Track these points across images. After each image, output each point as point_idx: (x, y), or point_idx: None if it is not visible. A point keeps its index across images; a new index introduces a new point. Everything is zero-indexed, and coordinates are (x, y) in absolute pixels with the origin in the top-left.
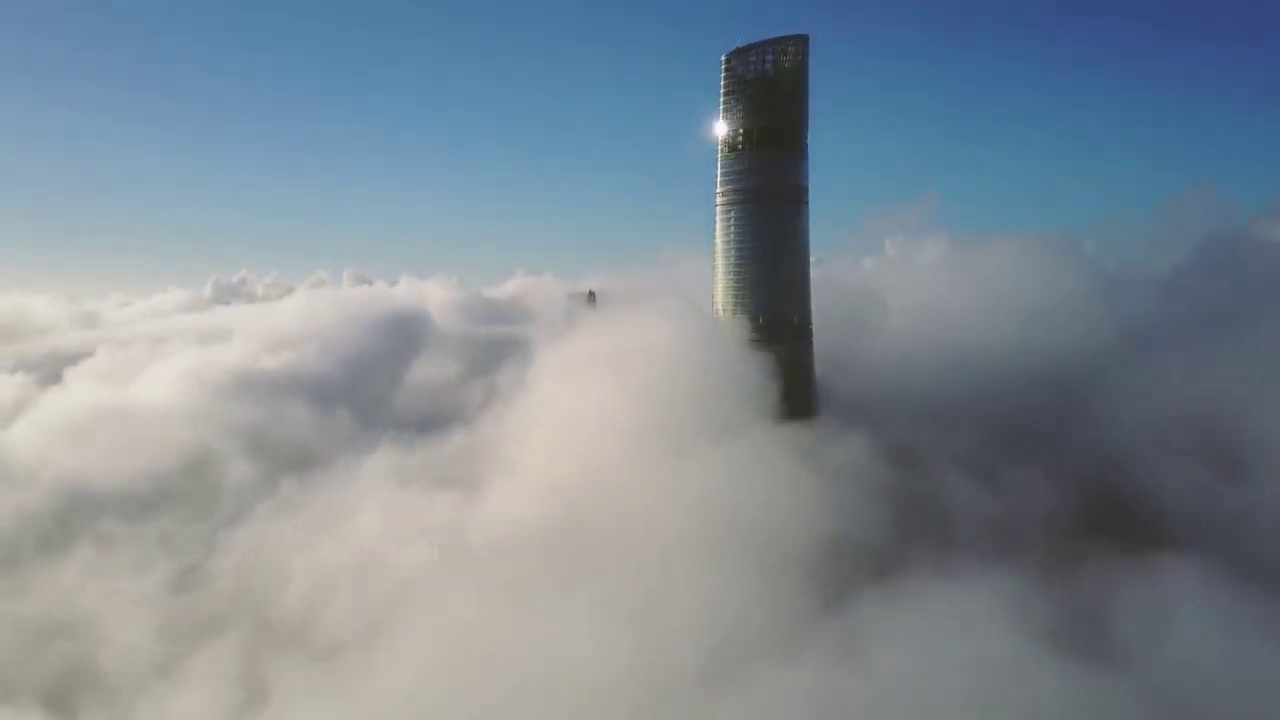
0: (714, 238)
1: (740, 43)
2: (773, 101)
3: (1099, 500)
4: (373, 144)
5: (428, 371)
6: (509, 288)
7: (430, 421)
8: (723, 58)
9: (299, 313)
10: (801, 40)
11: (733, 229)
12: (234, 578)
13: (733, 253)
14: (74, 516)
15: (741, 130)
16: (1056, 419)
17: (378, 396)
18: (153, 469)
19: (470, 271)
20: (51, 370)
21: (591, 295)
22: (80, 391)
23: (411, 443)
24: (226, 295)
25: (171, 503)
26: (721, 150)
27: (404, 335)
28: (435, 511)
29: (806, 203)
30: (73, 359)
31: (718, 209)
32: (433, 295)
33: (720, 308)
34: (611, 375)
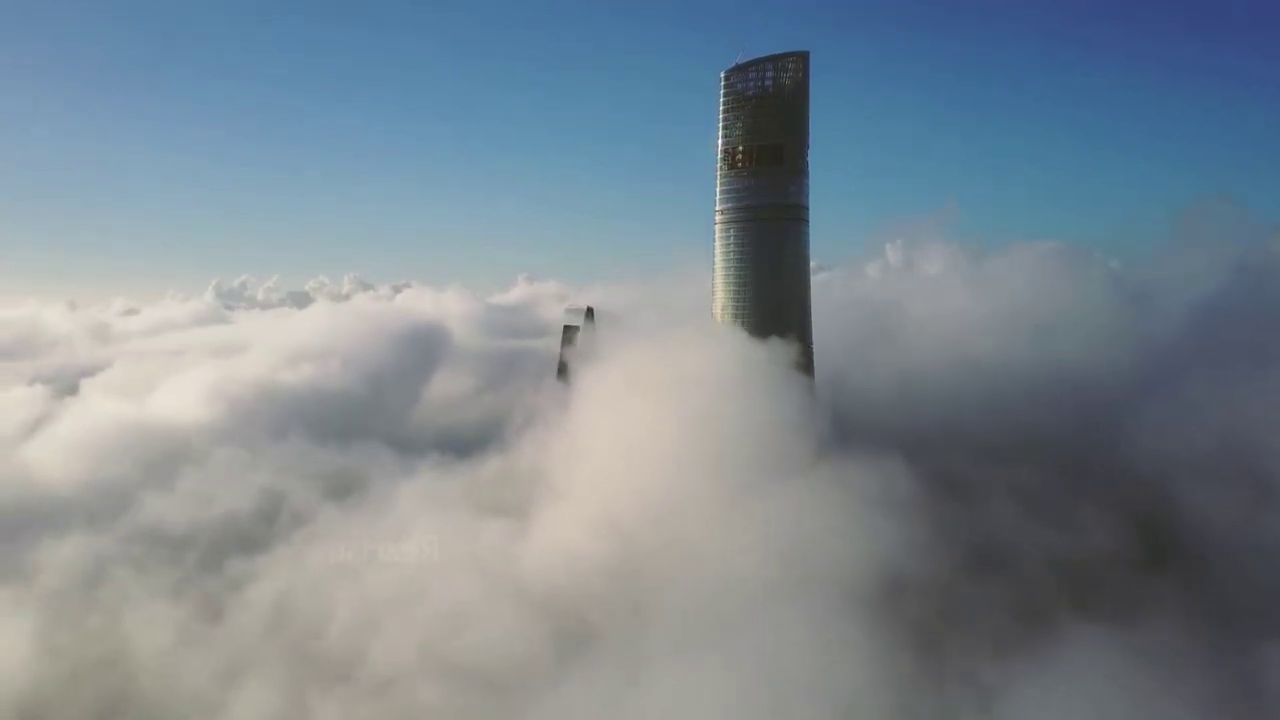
0: (713, 255)
1: (740, 59)
2: (773, 119)
3: (1154, 531)
4: (371, 147)
5: (451, 387)
6: (515, 295)
7: (464, 442)
8: (722, 74)
9: (316, 326)
10: (802, 57)
11: (732, 248)
12: (274, 608)
13: (732, 272)
14: (105, 540)
15: (741, 148)
16: (1094, 443)
17: (405, 414)
18: (183, 489)
19: (470, 275)
20: (68, 383)
21: (590, 312)
22: (102, 407)
23: (449, 466)
24: (229, 300)
25: (205, 526)
26: (721, 167)
27: (423, 349)
28: (484, 540)
29: (807, 221)
30: (88, 371)
31: (717, 226)
32: (447, 306)
33: (720, 323)
34: (660, 400)
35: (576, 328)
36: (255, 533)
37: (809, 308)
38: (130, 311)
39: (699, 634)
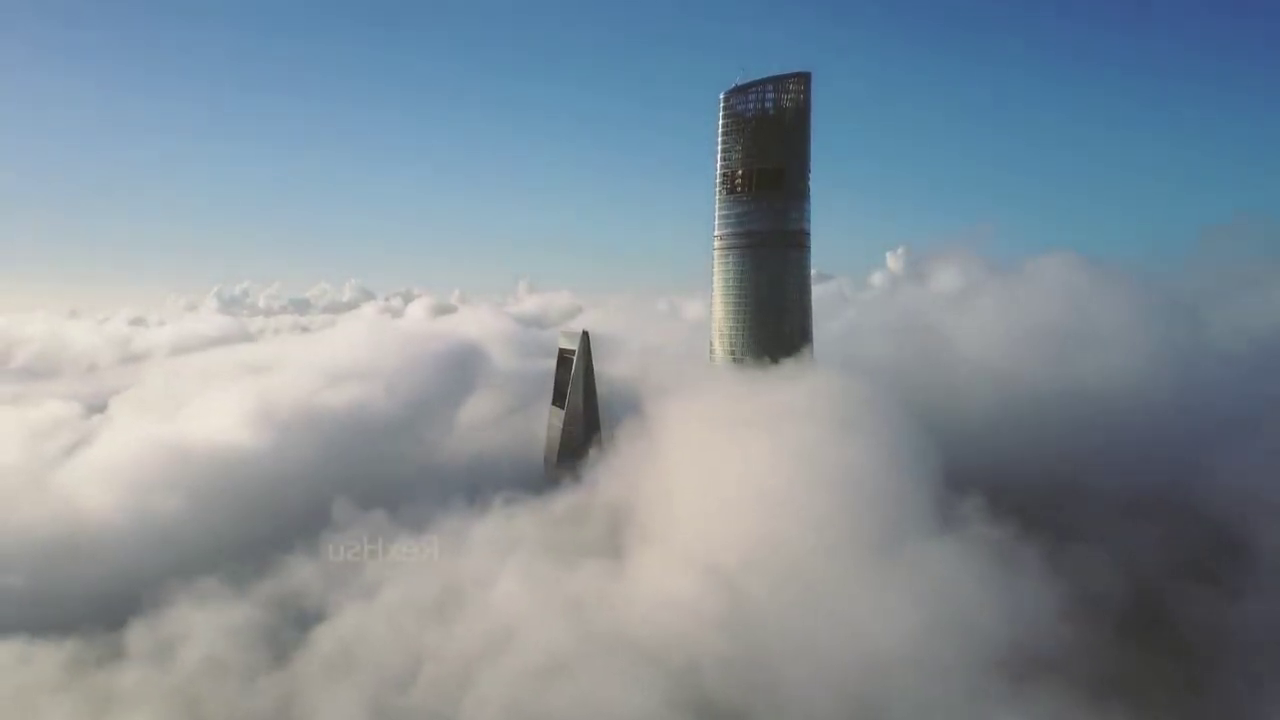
0: (712, 279)
1: (740, 80)
2: (773, 142)
3: None
4: (369, 151)
5: (489, 410)
6: (529, 305)
7: (528, 473)
8: (721, 96)
9: (350, 344)
10: (803, 78)
11: (731, 274)
12: (345, 653)
13: (732, 298)
14: (154, 572)
15: (740, 171)
16: (1176, 485)
17: (450, 439)
18: (233, 518)
19: (471, 280)
20: (97, 401)
21: (585, 336)
22: (138, 429)
23: (516, 498)
24: (230, 306)
25: (258, 558)
26: (719, 191)
27: (463, 370)
28: (578, 583)
29: (808, 248)
30: (116, 388)
31: (715, 251)
32: (481, 322)
33: (717, 354)
34: (758, 437)
35: (572, 352)
36: (314, 568)
37: (811, 336)
38: (138, 321)
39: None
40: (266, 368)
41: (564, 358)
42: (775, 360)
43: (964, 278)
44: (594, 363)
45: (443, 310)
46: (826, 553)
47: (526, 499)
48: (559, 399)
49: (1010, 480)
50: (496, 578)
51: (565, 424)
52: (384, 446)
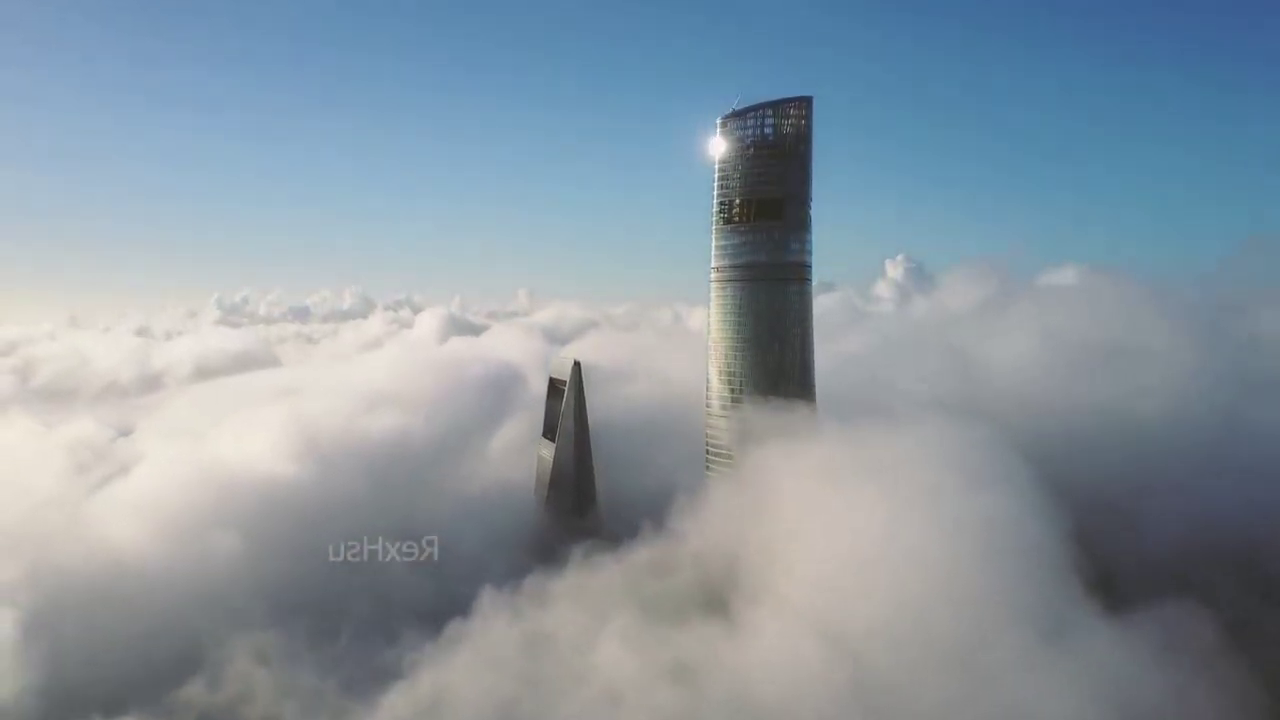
0: (707, 314)
1: (737, 104)
2: (773, 171)
3: None
4: (369, 152)
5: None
6: (543, 317)
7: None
8: (718, 121)
9: (387, 368)
10: (805, 102)
11: (728, 307)
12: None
13: (729, 332)
14: (203, 620)
15: (738, 201)
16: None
17: (510, 468)
18: (288, 555)
19: (469, 286)
20: (123, 424)
21: (577, 367)
22: (173, 456)
23: (603, 547)
24: (231, 315)
25: (324, 607)
26: (716, 221)
27: (503, 396)
28: (686, 646)
29: (809, 281)
30: (143, 408)
31: (711, 284)
32: (512, 342)
33: (714, 392)
34: (873, 488)
35: (564, 382)
36: (378, 615)
37: (813, 376)
38: (143, 331)
39: None
40: (297, 390)
41: (555, 387)
42: (777, 397)
43: (999, 294)
44: (588, 394)
45: (457, 324)
46: (967, 619)
47: (603, 547)
48: (549, 431)
49: (1142, 536)
50: (593, 636)
51: (556, 457)
52: (428, 476)
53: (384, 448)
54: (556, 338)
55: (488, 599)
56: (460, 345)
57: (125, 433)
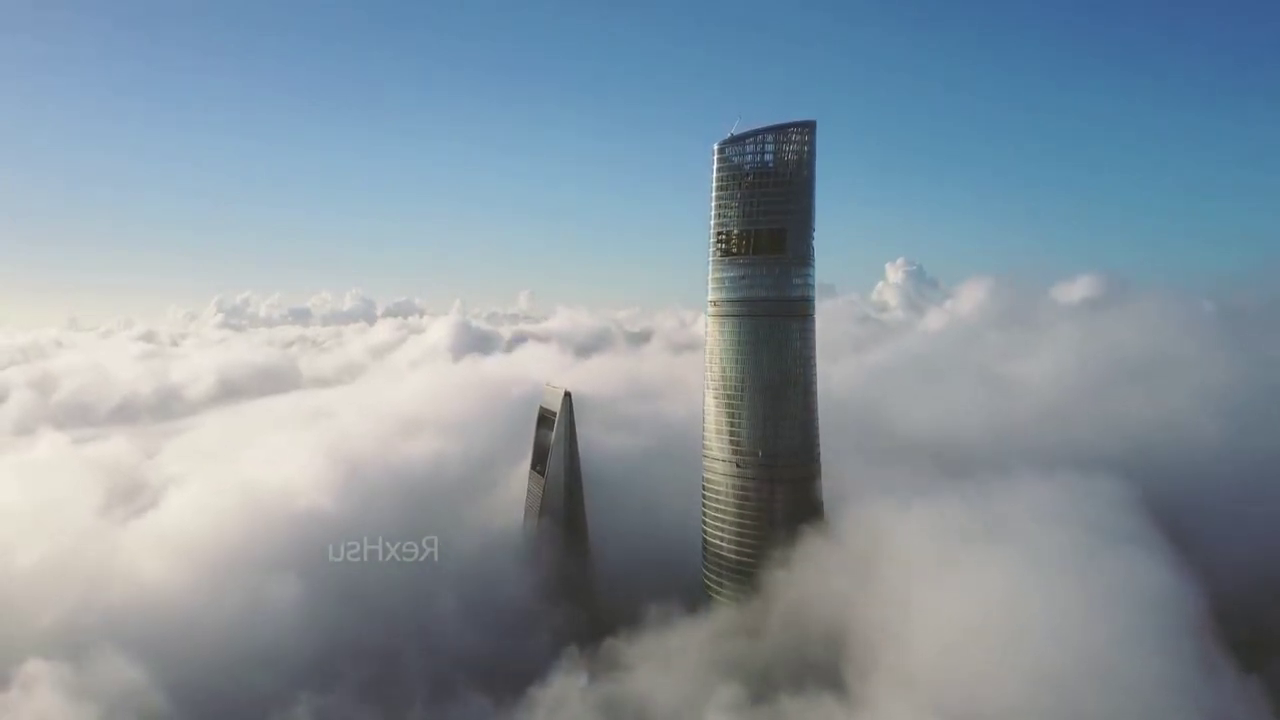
0: (704, 350)
1: (736, 129)
2: (773, 200)
3: None
4: (368, 154)
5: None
6: (555, 323)
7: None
8: (715, 146)
9: (415, 388)
10: (807, 127)
11: (726, 343)
12: None
13: (728, 370)
14: (266, 678)
15: (736, 232)
16: None
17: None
18: (342, 599)
19: (470, 287)
20: (149, 444)
21: (568, 397)
22: (209, 485)
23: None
24: (233, 318)
25: (390, 663)
26: (713, 252)
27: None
28: None
29: (812, 316)
30: (170, 431)
31: (708, 319)
32: (546, 359)
33: (711, 431)
34: (997, 550)
35: (554, 412)
36: (430, 666)
37: (815, 417)
38: (148, 337)
39: None
40: (327, 413)
41: (545, 417)
42: (777, 443)
43: (1019, 308)
44: (579, 426)
45: (471, 332)
46: (1120, 702)
47: (679, 610)
48: (538, 463)
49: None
50: (695, 708)
51: (545, 491)
52: (467, 512)
53: (422, 481)
54: (580, 348)
55: (558, 657)
56: (492, 366)
57: (151, 454)
